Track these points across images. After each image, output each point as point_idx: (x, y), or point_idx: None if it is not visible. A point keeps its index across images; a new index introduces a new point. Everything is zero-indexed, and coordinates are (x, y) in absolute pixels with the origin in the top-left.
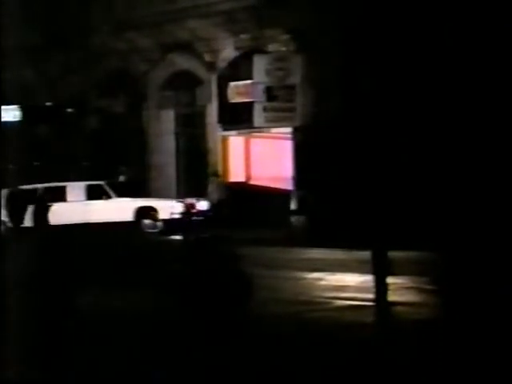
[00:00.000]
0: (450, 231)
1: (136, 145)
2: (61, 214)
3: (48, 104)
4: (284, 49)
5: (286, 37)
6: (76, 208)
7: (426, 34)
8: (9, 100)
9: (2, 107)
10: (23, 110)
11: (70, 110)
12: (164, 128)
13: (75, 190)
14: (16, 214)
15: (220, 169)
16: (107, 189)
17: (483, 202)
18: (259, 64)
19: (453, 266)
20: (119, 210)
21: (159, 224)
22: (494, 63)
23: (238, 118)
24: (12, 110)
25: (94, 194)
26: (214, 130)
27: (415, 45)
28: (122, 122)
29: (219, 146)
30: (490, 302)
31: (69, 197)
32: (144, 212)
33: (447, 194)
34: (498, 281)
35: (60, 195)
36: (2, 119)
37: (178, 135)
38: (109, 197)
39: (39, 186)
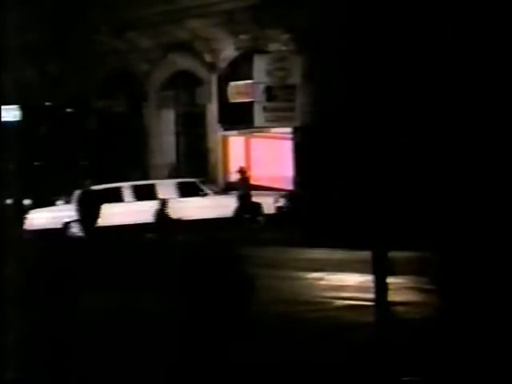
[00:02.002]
0: (450, 231)
1: (136, 144)
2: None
3: (48, 104)
4: (284, 49)
5: (286, 37)
6: (171, 206)
7: (427, 34)
8: (9, 100)
9: (2, 107)
10: (23, 109)
11: (69, 109)
12: (164, 128)
13: (166, 187)
14: (88, 216)
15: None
16: (201, 186)
17: (483, 202)
18: (259, 64)
19: (453, 266)
20: (218, 206)
21: (262, 219)
22: (494, 63)
23: (238, 117)
24: (12, 109)
25: (185, 191)
26: (215, 130)
27: (417, 45)
28: (122, 121)
29: (219, 146)
30: (490, 302)
31: (160, 194)
32: (248, 208)
33: (447, 194)
34: (497, 280)
35: (150, 193)
36: (3, 119)
37: (178, 135)
38: (205, 194)
39: (124, 184)
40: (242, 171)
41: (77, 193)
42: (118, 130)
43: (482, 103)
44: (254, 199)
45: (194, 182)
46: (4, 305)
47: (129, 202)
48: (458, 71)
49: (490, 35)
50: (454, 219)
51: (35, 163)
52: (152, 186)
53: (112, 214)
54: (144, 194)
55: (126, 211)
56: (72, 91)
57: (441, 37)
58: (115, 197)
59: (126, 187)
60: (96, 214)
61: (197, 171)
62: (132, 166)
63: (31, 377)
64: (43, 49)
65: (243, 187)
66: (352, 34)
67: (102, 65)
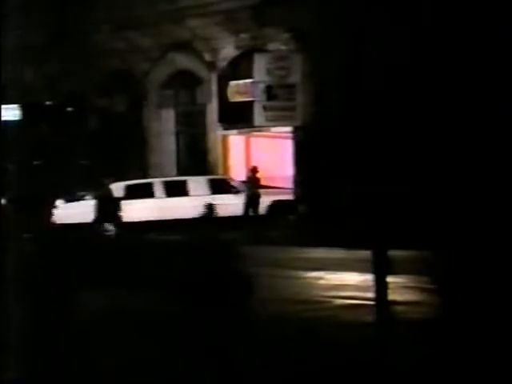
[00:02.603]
0: (451, 231)
1: (136, 144)
2: (186, 208)
3: (48, 103)
4: (284, 48)
5: (286, 35)
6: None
7: (427, 34)
8: (9, 99)
9: (2, 106)
10: (24, 109)
11: (70, 109)
12: (164, 127)
13: (197, 184)
14: (107, 215)
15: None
16: (233, 183)
17: (483, 202)
18: (259, 63)
19: (453, 266)
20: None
21: (292, 218)
22: (492, 64)
23: (238, 117)
24: (12, 109)
25: (216, 188)
26: (214, 129)
27: (417, 45)
28: (122, 120)
29: (219, 146)
30: (491, 301)
31: (191, 191)
32: (280, 206)
33: (448, 193)
34: (498, 280)
35: (181, 189)
36: (3, 118)
37: (178, 134)
38: (237, 191)
39: (155, 180)
40: (254, 170)
41: (97, 190)
42: (118, 129)
43: (484, 104)
44: (282, 197)
45: (224, 179)
46: (5, 305)
47: (159, 197)
48: (458, 73)
49: (488, 37)
50: (455, 218)
51: (35, 162)
52: (183, 183)
53: (142, 210)
54: (175, 190)
55: (156, 207)
56: (72, 90)
57: (442, 37)
58: (146, 192)
59: (157, 183)
60: (116, 211)
61: (197, 170)
62: (132, 165)
63: (31, 377)
64: (43, 48)
65: (251, 186)
66: (352, 33)
67: (102, 64)
